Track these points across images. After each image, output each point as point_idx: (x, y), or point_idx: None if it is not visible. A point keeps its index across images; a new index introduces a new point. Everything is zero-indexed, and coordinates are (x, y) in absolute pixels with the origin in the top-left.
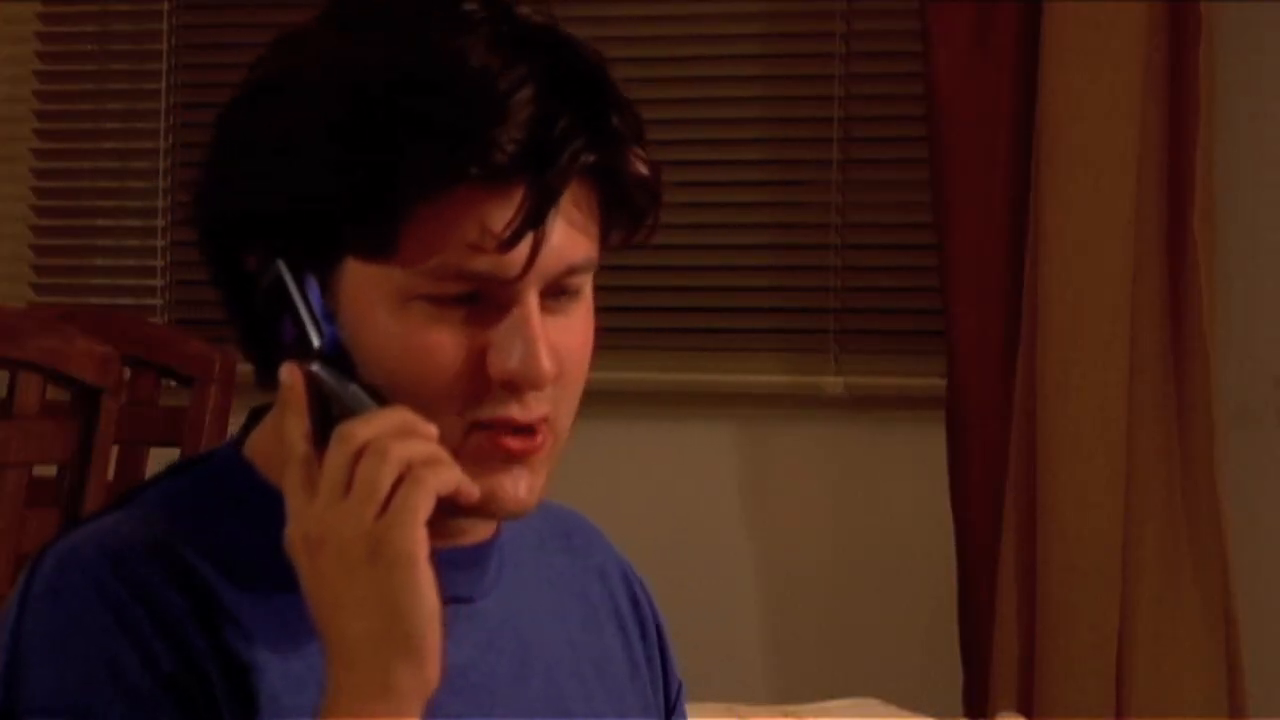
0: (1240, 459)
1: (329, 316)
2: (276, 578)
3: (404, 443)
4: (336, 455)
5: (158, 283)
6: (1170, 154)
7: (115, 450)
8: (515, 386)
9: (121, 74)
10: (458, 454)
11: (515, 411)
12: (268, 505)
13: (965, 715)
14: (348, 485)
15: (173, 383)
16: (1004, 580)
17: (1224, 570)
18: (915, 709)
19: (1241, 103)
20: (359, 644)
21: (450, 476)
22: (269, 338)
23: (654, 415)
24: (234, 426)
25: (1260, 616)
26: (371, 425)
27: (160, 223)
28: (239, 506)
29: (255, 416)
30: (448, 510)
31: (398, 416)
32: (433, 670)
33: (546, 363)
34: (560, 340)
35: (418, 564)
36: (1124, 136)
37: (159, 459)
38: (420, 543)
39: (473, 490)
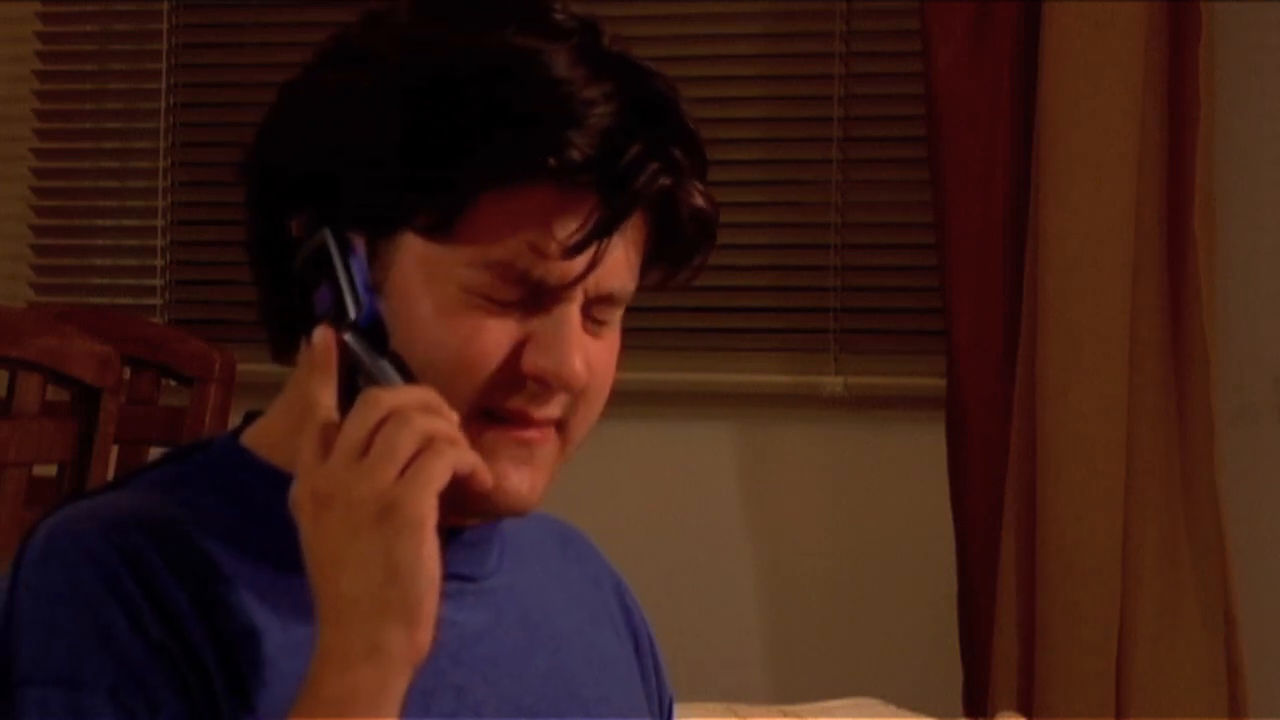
0: (1240, 458)
1: (370, 289)
2: (273, 556)
3: (428, 416)
4: (359, 417)
5: (158, 283)
6: (1170, 154)
7: (115, 450)
8: (545, 383)
9: (121, 74)
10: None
11: (533, 408)
12: (266, 485)
13: (965, 715)
14: (366, 448)
15: (173, 382)
16: (1004, 580)
17: (1224, 570)
18: (915, 709)
19: (1241, 103)
20: (354, 603)
21: (469, 457)
22: (302, 306)
23: (654, 415)
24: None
25: (1260, 616)
26: (398, 395)
27: (160, 222)
28: (236, 487)
29: (250, 419)
30: (455, 502)
31: (424, 393)
32: (425, 637)
33: (580, 366)
34: (591, 354)
35: (426, 530)
36: (1124, 136)
37: None
38: (432, 510)
39: (487, 476)
